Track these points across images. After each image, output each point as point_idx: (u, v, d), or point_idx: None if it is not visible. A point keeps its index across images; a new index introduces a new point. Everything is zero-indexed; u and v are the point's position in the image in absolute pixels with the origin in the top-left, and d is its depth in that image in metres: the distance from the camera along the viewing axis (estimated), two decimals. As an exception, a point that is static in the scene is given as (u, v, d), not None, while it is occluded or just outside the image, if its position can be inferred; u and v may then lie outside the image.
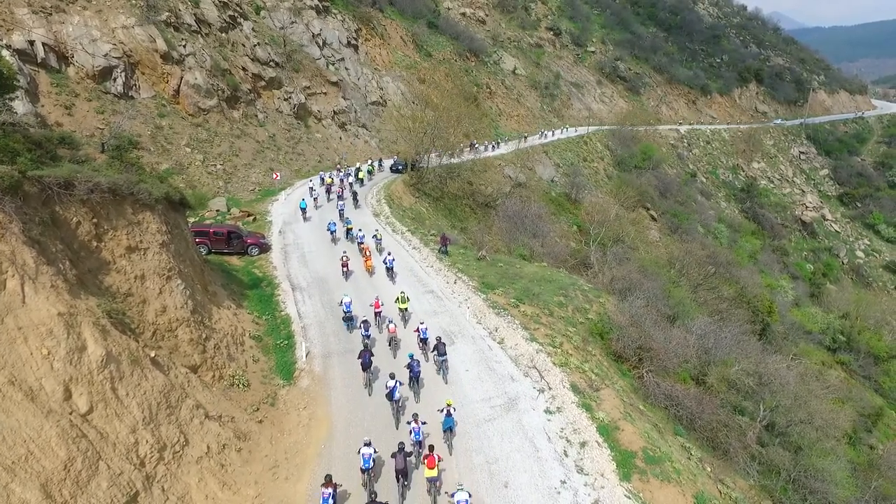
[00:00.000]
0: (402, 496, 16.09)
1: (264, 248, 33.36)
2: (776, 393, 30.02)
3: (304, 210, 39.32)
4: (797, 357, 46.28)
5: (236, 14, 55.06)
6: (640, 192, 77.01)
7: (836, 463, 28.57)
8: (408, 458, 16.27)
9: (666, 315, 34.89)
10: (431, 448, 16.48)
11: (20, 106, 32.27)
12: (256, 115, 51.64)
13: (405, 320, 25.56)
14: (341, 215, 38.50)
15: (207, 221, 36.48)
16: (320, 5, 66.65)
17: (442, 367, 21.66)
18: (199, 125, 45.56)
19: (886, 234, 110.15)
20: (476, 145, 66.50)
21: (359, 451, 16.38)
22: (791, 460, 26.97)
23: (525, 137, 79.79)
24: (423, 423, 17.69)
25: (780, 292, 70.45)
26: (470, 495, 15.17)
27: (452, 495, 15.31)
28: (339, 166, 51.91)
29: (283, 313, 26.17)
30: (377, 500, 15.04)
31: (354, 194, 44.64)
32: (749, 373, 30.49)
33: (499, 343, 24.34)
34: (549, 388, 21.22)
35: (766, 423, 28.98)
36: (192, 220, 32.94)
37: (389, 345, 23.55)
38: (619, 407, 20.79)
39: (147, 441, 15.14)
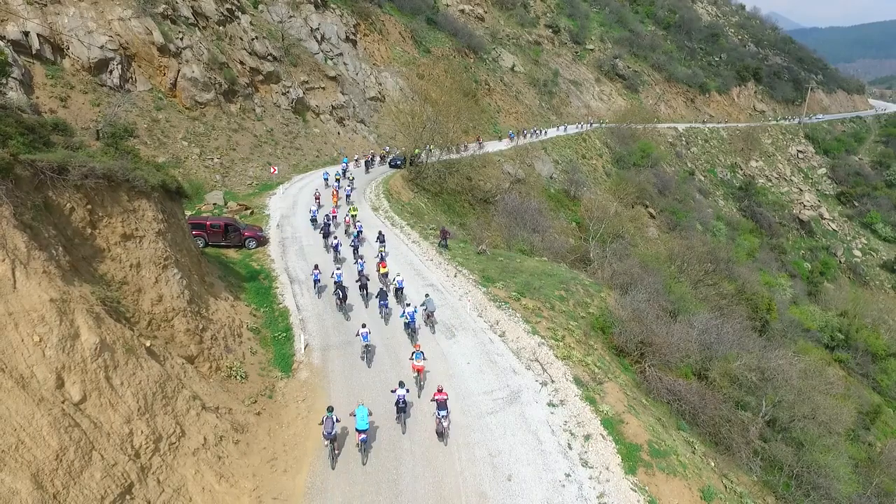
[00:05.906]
0: (364, 299, 26.17)
1: (262, 241, 32.99)
2: (779, 388, 29.67)
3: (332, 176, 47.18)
4: (797, 354, 45.97)
5: (234, 7, 54.51)
6: (639, 189, 76.76)
7: (839, 459, 28.32)
8: (367, 281, 26.31)
9: (667, 310, 34.54)
10: (382, 258, 28.96)
11: (14, 97, 31.75)
12: (254, 110, 51.17)
13: (354, 224, 35.12)
14: (344, 173, 48.06)
15: (205, 214, 36.05)
16: (318, 0, 66.14)
17: (380, 252, 30.45)
18: (196, 119, 45.09)
19: (883, 233, 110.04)
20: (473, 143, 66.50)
21: (332, 275, 26.04)
22: (794, 456, 26.68)
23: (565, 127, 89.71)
24: (364, 262, 27.80)
25: (779, 290, 70.24)
26: (403, 279, 26.20)
27: (394, 279, 26.60)
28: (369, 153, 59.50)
29: (281, 306, 25.81)
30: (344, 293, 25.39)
31: (367, 163, 54.51)
32: (751, 368, 30.10)
33: (500, 336, 24.00)
34: (552, 381, 20.89)
35: (768, 419, 28.71)
36: (188, 213, 32.52)
37: (346, 231, 35.61)
38: (623, 400, 20.48)
39: (142, 432, 14.75)
